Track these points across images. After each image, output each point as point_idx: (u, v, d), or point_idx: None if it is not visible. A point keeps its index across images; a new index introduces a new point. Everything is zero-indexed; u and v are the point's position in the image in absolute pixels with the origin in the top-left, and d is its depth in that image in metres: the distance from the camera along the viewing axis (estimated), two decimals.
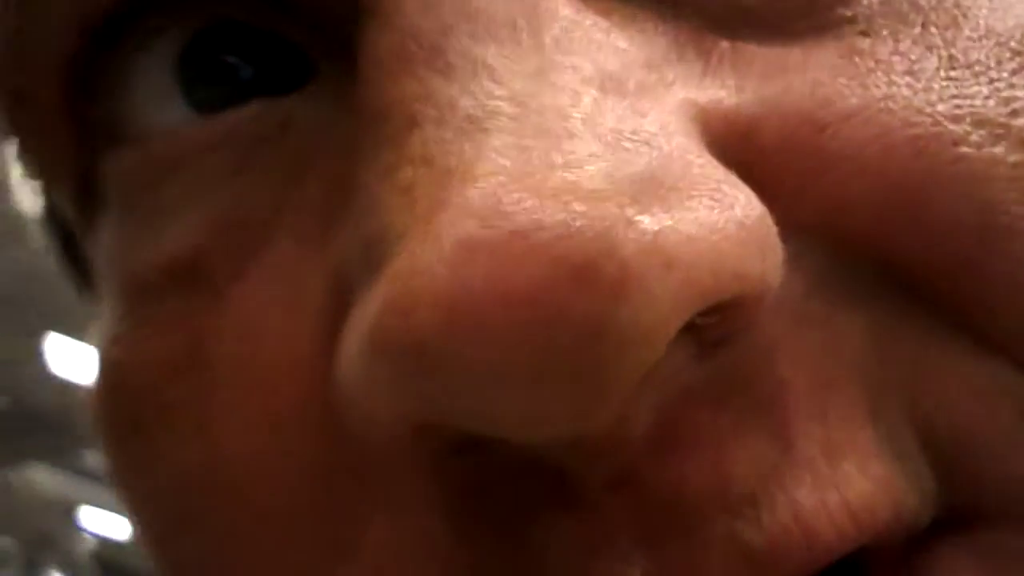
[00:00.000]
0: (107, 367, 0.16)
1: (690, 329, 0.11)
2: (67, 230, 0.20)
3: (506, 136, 0.10)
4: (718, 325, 0.11)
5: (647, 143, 0.11)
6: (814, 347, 0.12)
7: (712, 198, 0.10)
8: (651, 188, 0.10)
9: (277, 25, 0.15)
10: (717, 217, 0.10)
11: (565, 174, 0.10)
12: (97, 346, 0.17)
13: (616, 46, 0.12)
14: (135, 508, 0.16)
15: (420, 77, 0.11)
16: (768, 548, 0.11)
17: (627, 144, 0.11)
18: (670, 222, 0.10)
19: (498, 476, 0.12)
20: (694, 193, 0.10)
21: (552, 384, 0.10)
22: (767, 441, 0.12)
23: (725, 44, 0.13)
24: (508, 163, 0.10)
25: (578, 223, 0.09)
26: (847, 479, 0.11)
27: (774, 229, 0.11)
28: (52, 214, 0.20)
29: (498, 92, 0.11)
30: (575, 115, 0.11)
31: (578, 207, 0.09)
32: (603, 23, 0.12)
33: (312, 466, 0.13)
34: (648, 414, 0.11)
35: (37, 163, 0.18)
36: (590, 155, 0.10)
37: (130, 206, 0.16)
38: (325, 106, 0.14)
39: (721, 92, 0.12)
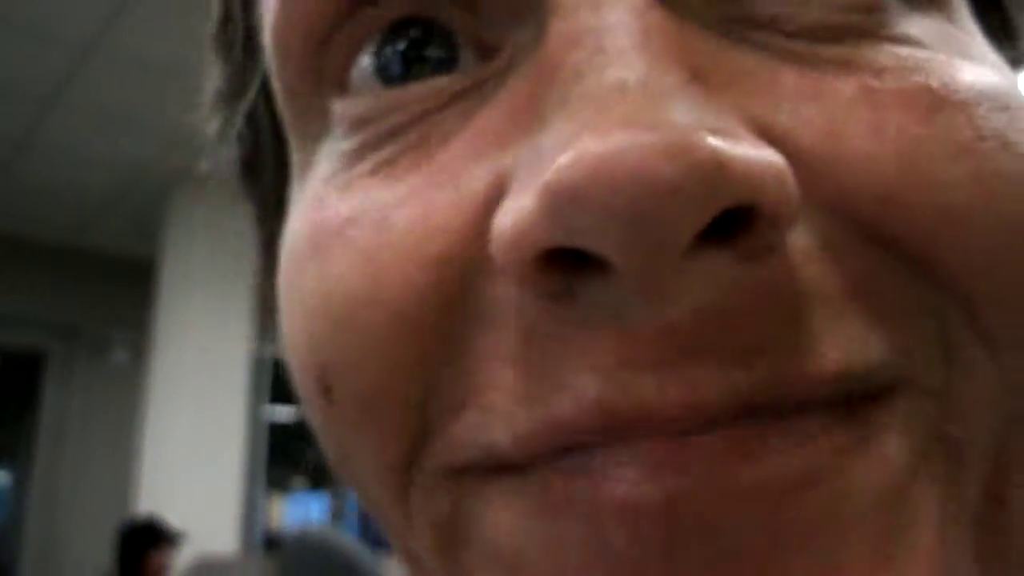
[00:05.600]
0: (309, 221, 0.23)
1: (729, 241, 0.17)
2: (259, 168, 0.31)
3: (635, 96, 0.17)
4: (752, 235, 0.17)
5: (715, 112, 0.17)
6: (823, 276, 0.18)
7: (754, 144, 0.17)
8: (720, 131, 0.17)
9: (447, 21, 0.22)
10: (753, 152, 0.17)
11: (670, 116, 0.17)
12: (295, 220, 0.25)
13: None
14: (300, 313, 0.23)
15: (587, 49, 0.19)
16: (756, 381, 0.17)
17: (705, 110, 0.17)
18: (726, 145, 0.16)
19: (562, 323, 0.18)
20: (744, 139, 0.17)
21: (647, 216, 0.16)
22: (777, 321, 0.18)
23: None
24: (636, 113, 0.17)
25: (669, 137, 0.16)
26: (825, 345, 0.18)
27: (790, 176, 0.17)
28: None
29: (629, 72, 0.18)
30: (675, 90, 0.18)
31: (670, 131, 0.16)
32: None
33: (443, 295, 0.20)
34: (692, 293, 0.17)
35: (290, 98, 0.26)
36: (684, 111, 0.17)
37: (353, 134, 0.23)
38: (501, 69, 0.21)
39: (767, 106, 0.19)
